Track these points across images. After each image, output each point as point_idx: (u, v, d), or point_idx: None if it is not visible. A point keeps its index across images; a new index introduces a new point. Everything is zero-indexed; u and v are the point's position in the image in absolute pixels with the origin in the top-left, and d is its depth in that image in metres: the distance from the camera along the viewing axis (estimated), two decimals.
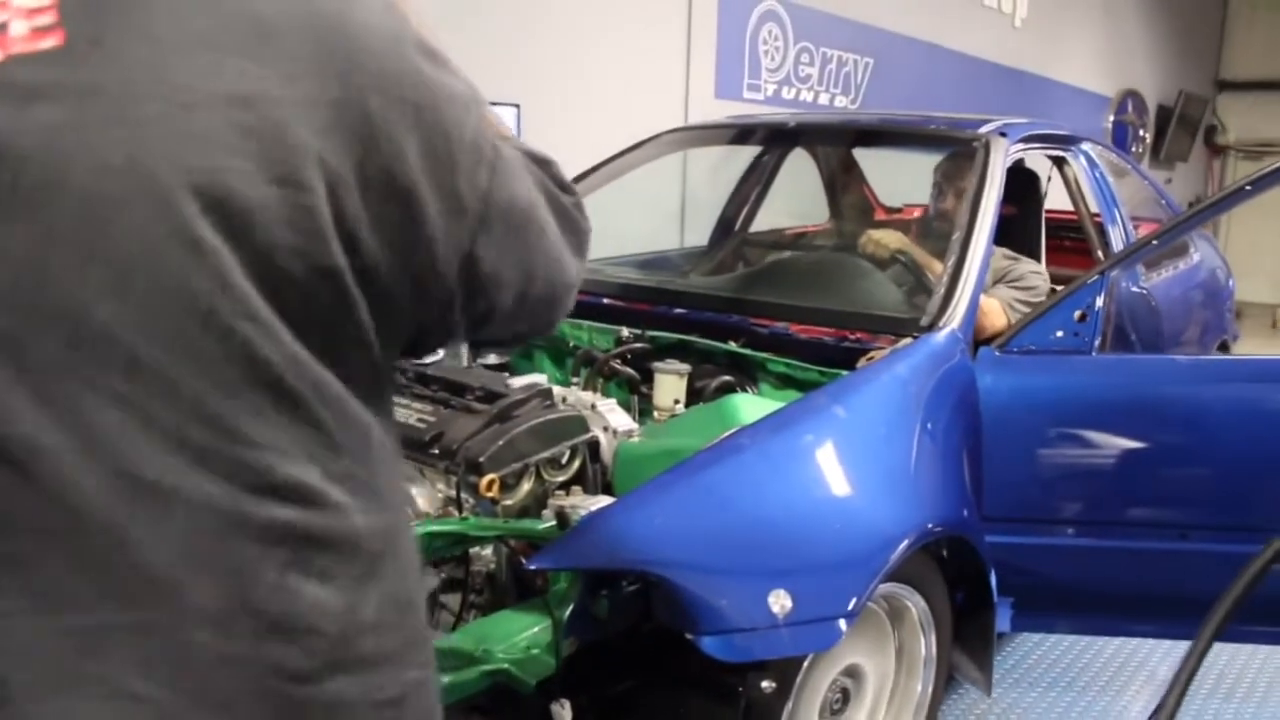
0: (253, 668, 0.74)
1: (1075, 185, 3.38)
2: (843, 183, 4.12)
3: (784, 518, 1.71)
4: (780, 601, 1.60)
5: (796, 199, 4.27)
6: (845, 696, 1.97)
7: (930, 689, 2.10)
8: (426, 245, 0.78)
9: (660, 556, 1.58)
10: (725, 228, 3.87)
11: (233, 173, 0.68)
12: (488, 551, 1.87)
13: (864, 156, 4.12)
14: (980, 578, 2.10)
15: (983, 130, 2.84)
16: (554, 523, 1.68)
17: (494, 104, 3.72)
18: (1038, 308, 2.41)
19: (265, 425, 0.73)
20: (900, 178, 4.40)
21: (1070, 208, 3.61)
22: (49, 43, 0.67)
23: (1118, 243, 3.11)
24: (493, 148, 0.81)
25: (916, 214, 3.97)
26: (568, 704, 1.63)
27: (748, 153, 3.92)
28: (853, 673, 1.98)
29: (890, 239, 2.88)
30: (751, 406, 1.97)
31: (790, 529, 1.71)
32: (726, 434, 1.81)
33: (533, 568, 1.60)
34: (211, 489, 0.71)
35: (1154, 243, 2.50)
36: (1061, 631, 2.72)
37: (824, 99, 6.27)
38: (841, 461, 1.83)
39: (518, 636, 1.68)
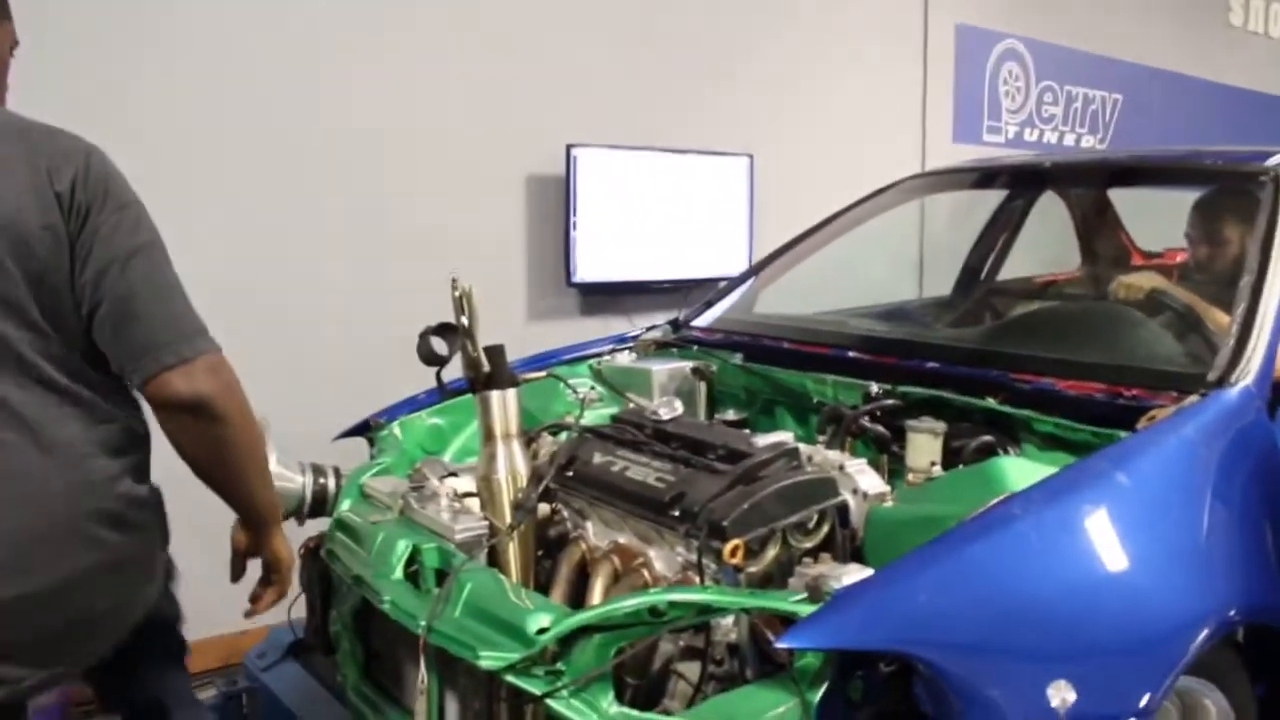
0: None
1: None
2: (1096, 226, 3.85)
3: (1064, 598, 1.53)
4: (1061, 694, 1.42)
5: (1044, 246, 4.03)
6: None
7: None
8: None
9: (925, 637, 1.43)
10: (970, 276, 3.68)
11: None
12: (729, 620, 1.76)
13: (1119, 199, 3.85)
14: None
15: (1270, 163, 2.56)
16: (804, 595, 1.56)
17: (726, 155, 3.65)
18: None
19: None
20: (1159, 220, 4.08)
21: None
22: None
23: None
24: None
25: (1179, 258, 3.66)
26: None
27: (987, 198, 3.73)
28: None
29: (1143, 280, 2.67)
30: (1020, 470, 1.79)
31: (1072, 611, 1.52)
32: (994, 501, 1.65)
33: (782, 646, 1.47)
34: None
35: None
36: None
37: (1069, 139, 5.96)
38: (1128, 535, 1.63)
39: (763, 717, 1.56)
